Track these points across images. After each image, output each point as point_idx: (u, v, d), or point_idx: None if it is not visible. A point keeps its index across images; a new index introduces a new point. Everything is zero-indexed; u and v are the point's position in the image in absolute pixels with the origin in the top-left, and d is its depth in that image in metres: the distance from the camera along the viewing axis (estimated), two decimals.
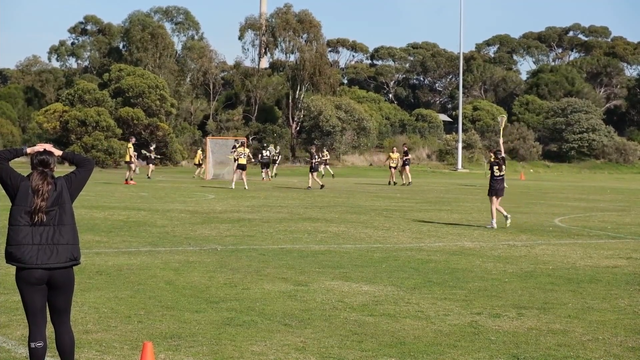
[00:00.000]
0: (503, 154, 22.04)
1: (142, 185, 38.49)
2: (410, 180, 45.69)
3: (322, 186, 39.03)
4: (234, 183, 37.98)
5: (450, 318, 9.93)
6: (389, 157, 46.63)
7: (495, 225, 21.29)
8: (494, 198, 21.41)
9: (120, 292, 11.17)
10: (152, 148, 48.85)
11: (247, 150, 38.53)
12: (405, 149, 46.77)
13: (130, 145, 40.78)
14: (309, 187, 38.80)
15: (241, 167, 37.75)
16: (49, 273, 6.76)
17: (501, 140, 23.09)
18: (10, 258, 6.76)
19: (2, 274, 12.51)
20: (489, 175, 21.89)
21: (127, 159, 40.64)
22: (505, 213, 21.64)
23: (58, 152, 7.01)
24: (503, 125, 25.59)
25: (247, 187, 37.07)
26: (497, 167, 21.54)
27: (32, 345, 6.79)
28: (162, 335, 8.79)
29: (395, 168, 46.08)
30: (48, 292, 6.88)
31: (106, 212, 23.44)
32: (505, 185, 22.24)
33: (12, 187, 6.74)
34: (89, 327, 9.12)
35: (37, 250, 6.69)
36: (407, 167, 45.90)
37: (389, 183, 45.87)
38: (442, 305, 10.69)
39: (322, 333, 9.01)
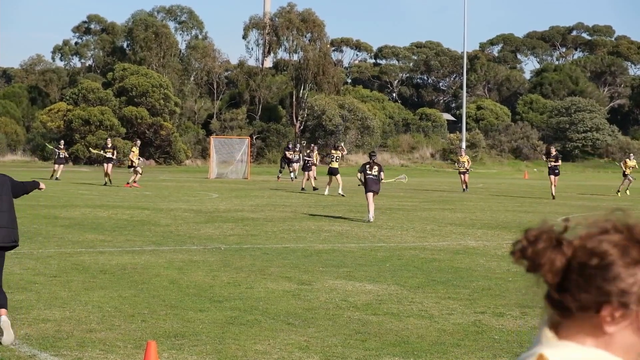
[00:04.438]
0: (378, 162, 23.59)
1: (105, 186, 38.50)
2: (553, 194, 34.41)
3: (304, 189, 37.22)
4: (304, 184, 36.18)
5: (453, 317, 9.92)
6: (458, 161, 40.32)
7: (372, 219, 22.27)
8: (369, 194, 22.59)
9: (124, 291, 11.17)
10: (61, 146, 43.22)
11: (315, 152, 38.36)
12: (554, 151, 35.80)
13: (135, 148, 38.51)
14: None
15: (309, 169, 37.67)
16: None
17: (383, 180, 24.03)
18: None
19: (6, 272, 12.52)
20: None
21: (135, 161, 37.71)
22: (371, 213, 22.47)
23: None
24: (400, 180, 27.22)
25: (315, 188, 36.35)
26: (368, 166, 23.11)
27: None
28: (165, 334, 8.79)
29: (465, 173, 39.00)
30: None
31: (110, 211, 23.45)
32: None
33: None
34: (92, 326, 9.13)
35: None
36: (556, 178, 34.73)
37: (464, 190, 38.62)
38: (446, 304, 10.68)
39: (325, 332, 9.01)
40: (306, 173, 38.30)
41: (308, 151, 40.63)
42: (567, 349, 1.88)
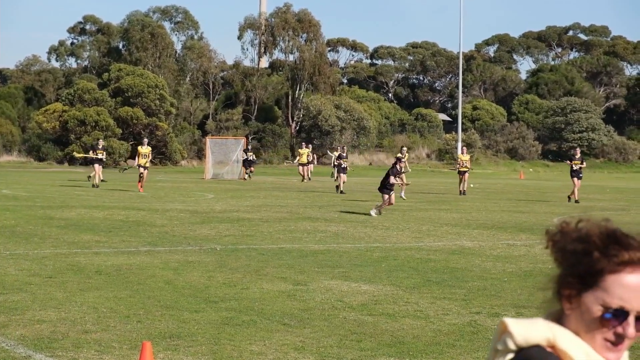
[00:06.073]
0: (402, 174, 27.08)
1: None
2: (576, 198, 32.49)
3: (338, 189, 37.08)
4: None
5: (449, 317, 9.93)
6: (460, 159, 37.25)
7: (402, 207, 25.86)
8: (386, 197, 25.01)
9: (120, 292, 11.16)
10: (100, 146, 39.39)
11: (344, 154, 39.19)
12: (579, 153, 34.28)
13: (141, 148, 36.93)
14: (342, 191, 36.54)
15: (344, 170, 37.89)
16: None
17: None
18: None
19: (1, 273, 12.52)
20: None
21: (148, 163, 36.10)
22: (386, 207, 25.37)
23: None
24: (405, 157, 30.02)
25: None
26: (393, 177, 25.53)
27: None
28: (161, 335, 8.79)
29: (465, 173, 36.44)
30: None
31: (105, 212, 23.44)
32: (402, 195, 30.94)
33: None
34: (88, 326, 9.12)
35: None
36: (579, 181, 32.80)
37: (460, 192, 36.28)
38: (441, 305, 10.69)
39: (321, 332, 9.01)
40: (342, 175, 37.65)
41: (339, 153, 39.93)
42: (534, 322, 1.92)
